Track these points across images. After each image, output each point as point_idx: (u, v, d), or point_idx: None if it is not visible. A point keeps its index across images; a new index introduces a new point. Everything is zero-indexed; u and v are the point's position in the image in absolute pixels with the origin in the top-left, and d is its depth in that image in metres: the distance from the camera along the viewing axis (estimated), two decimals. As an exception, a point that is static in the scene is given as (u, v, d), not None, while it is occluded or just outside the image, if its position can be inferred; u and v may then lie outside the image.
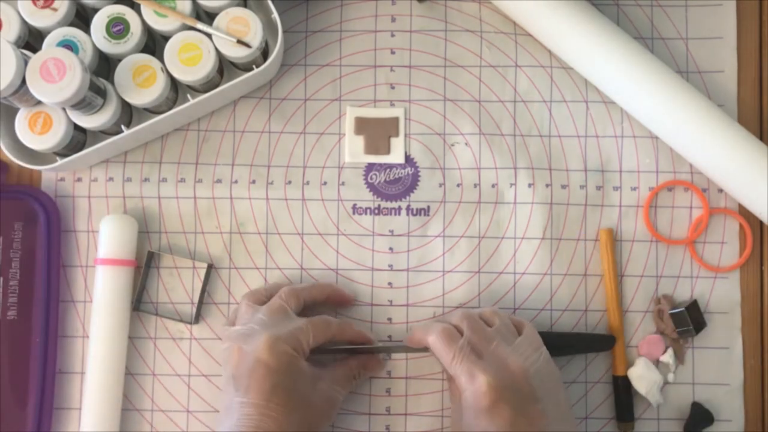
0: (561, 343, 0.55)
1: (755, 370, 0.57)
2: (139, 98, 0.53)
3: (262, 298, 0.53)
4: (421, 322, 0.57)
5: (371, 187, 0.59)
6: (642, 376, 0.55)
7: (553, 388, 0.49)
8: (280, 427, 0.46)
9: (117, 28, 0.54)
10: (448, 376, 0.53)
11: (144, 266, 0.57)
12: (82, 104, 0.51)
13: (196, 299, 0.57)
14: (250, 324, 0.50)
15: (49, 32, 0.54)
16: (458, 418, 0.49)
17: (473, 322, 0.50)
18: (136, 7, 0.54)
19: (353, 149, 0.59)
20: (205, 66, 0.53)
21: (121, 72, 0.53)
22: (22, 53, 0.50)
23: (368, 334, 0.54)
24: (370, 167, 0.59)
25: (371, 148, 0.59)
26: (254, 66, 0.55)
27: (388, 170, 0.59)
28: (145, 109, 0.57)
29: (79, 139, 0.56)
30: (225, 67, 0.58)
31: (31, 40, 0.55)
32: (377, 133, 0.59)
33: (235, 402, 0.47)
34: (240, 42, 0.53)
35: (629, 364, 0.56)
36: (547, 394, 0.48)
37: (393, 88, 0.59)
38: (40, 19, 0.54)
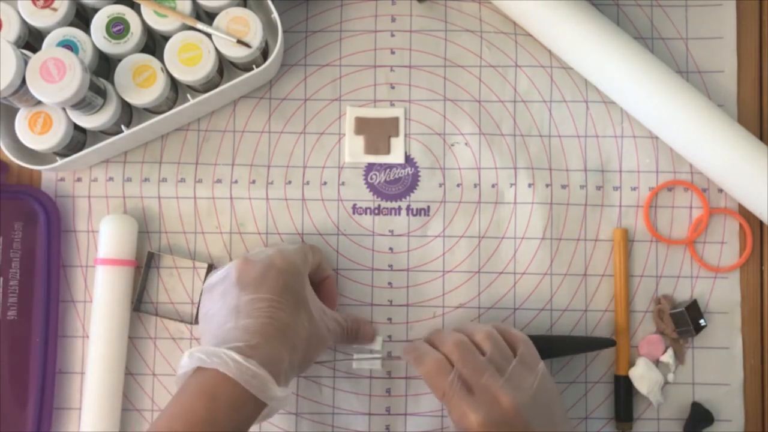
0: (559, 349, 0.55)
1: (755, 370, 0.57)
2: (139, 98, 0.53)
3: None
4: (420, 322, 0.57)
5: (371, 187, 0.59)
6: (643, 376, 0.55)
7: (548, 410, 0.48)
8: (292, 320, 0.47)
9: (117, 28, 0.54)
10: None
11: (144, 266, 0.57)
12: (82, 104, 0.51)
13: (196, 299, 0.57)
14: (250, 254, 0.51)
15: (49, 32, 0.54)
16: None
17: (465, 352, 0.48)
18: (136, 7, 0.54)
19: (353, 149, 0.59)
20: (205, 66, 0.53)
21: (121, 72, 0.53)
22: (22, 53, 0.50)
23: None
24: (370, 167, 0.59)
25: (371, 148, 0.59)
26: (254, 66, 0.55)
27: (388, 170, 0.59)
28: (145, 109, 0.57)
29: (79, 139, 0.56)
30: (225, 67, 0.58)
31: (31, 40, 0.55)
32: (377, 133, 0.59)
33: (243, 301, 0.47)
34: (240, 42, 0.53)
35: (630, 364, 0.56)
36: (542, 420, 0.47)
37: (393, 88, 0.59)
38: (40, 19, 0.54)
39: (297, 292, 0.48)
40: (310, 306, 0.49)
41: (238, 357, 0.43)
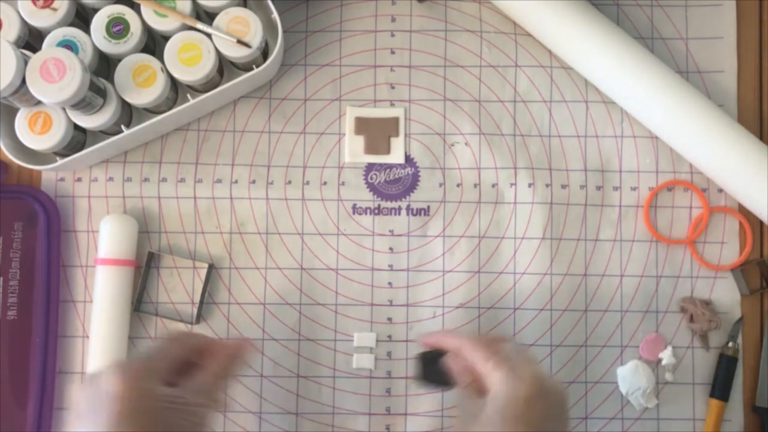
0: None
1: (755, 370, 0.57)
2: (139, 98, 0.53)
3: None
4: (421, 322, 0.57)
5: (371, 187, 0.59)
6: (625, 378, 0.56)
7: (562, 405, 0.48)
8: None
9: (117, 28, 0.54)
10: (470, 382, 0.49)
11: (144, 266, 0.57)
12: (82, 104, 0.51)
13: (196, 299, 0.57)
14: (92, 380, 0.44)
15: (49, 32, 0.54)
16: (469, 419, 0.48)
17: (511, 344, 0.48)
18: (136, 7, 0.54)
19: (353, 149, 0.59)
20: (205, 66, 0.53)
21: (121, 72, 0.53)
22: (22, 53, 0.50)
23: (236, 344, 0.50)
24: (370, 167, 0.59)
25: (371, 148, 0.59)
26: (254, 66, 0.55)
27: (388, 170, 0.59)
28: (145, 109, 0.57)
29: (79, 139, 0.56)
30: (225, 67, 0.58)
31: (31, 40, 0.55)
32: (377, 133, 0.59)
33: None
34: (240, 42, 0.53)
35: (623, 362, 0.57)
36: (565, 411, 0.47)
37: (393, 88, 0.59)
38: (40, 19, 0.54)
39: (144, 417, 0.42)
40: (174, 423, 0.43)
41: None
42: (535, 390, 0.45)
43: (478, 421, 0.45)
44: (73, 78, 0.49)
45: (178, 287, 0.58)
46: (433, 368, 0.49)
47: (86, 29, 0.54)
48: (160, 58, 0.54)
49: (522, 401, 0.45)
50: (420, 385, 0.51)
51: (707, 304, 0.57)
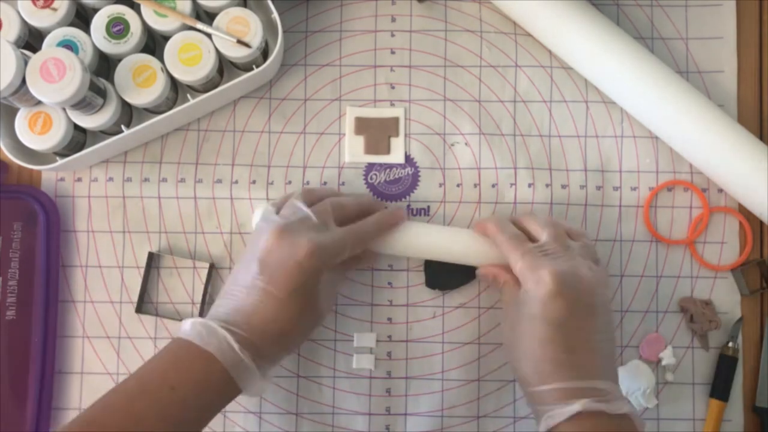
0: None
1: (755, 370, 0.57)
2: (139, 98, 0.53)
3: (313, 198, 0.52)
4: (421, 322, 0.57)
5: (371, 187, 0.59)
6: (625, 378, 0.56)
7: (609, 322, 0.49)
8: (291, 322, 0.47)
9: (117, 28, 0.54)
10: (504, 280, 0.52)
11: (144, 267, 0.57)
12: (82, 104, 0.51)
13: (196, 299, 0.57)
14: (293, 219, 0.49)
15: (49, 32, 0.54)
16: (509, 324, 0.50)
17: (557, 233, 0.50)
18: (136, 7, 0.54)
19: (353, 149, 0.59)
20: (205, 66, 0.53)
21: (121, 72, 0.53)
22: (22, 53, 0.50)
23: (393, 213, 0.54)
24: (370, 167, 0.59)
25: (371, 148, 0.59)
26: (254, 66, 0.55)
27: (388, 170, 0.59)
28: (145, 109, 0.57)
29: (79, 139, 0.56)
30: (225, 67, 0.58)
31: (31, 40, 0.55)
32: (377, 133, 0.59)
33: (257, 285, 0.47)
34: (240, 42, 0.53)
35: (623, 362, 0.57)
36: (603, 320, 0.49)
37: (393, 88, 0.59)
38: (40, 19, 0.53)
39: (309, 292, 0.48)
40: (319, 303, 0.49)
41: (235, 346, 0.45)
42: (553, 288, 0.47)
43: (508, 318, 0.51)
44: (73, 78, 0.49)
45: (177, 287, 0.58)
46: (438, 275, 0.57)
47: (86, 29, 0.54)
48: (160, 58, 0.54)
49: (539, 300, 0.47)
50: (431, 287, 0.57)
51: (707, 304, 0.57)
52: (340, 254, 0.49)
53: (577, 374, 0.46)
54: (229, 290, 0.49)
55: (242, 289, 0.48)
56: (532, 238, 0.51)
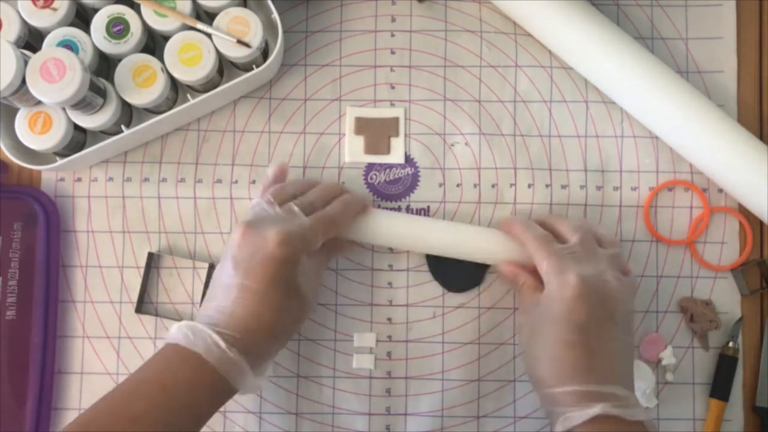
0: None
1: (755, 370, 0.57)
2: (139, 98, 0.53)
3: (285, 197, 0.52)
4: (420, 322, 0.57)
5: (371, 187, 0.59)
6: None
7: (629, 332, 0.50)
8: (275, 314, 0.47)
9: (117, 28, 0.54)
10: (523, 281, 0.53)
11: (144, 267, 0.57)
12: (82, 104, 0.51)
13: (196, 299, 0.57)
14: (260, 215, 0.50)
15: (49, 32, 0.54)
16: (528, 325, 0.51)
17: (586, 238, 0.51)
18: (136, 7, 0.54)
19: (353, 149, 0.59)
20: (205, 66, 0.53)
21: (121, 72, 0.53)
22: (22, 53, 0.50)
23: (362, 202, 0.54)
24: (370, 167, 0.59)
25: (371, 148, 0.59)
26: (254, 66, 0.55)
27: (388, 170, 0.59)
28: (145, 109, 0.57)
29: (79, 139, 0.56)
30: (225, 67, 0.58)
31: (31, 40, 0.55)
32: (377, 133, 0.59)
33: (234, 282, 0.47)
34: (240, 42, 0.53)
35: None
36: (623, 329, 0.49)
37: (393, 88, 0.59)
38: (40, 19, 0.53)
39: (288, 281, 0.48)
40: (302, 291, 0.49)
41: (222, 344, 0.45)
42: (577, 291, 0.47)
43: (527, 319, 0.51)
44: (73, 78, 0.49)
45: (177, 287, 0.58)
46: (440, 269, 0.57)
47: (86, 29, 0.54)
48: (160, 58, 0.54)
49: (563, 302, 0.48)
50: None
51: (707, 304, 0.57)
52: (312, 240, 0.49)
53: (596, 378, 0.46)
54: (211, 292, 0.49)
55: (221, 288, 0.48)
56: (559, 240, 0.52)
